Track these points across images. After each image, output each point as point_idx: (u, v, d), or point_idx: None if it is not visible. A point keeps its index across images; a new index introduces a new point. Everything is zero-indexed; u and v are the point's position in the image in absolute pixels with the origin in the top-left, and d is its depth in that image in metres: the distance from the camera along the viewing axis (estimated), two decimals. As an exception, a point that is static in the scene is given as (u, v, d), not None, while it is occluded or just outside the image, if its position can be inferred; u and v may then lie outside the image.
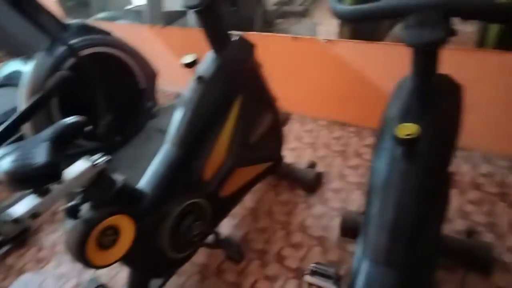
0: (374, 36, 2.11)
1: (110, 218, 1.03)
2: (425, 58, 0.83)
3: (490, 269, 1.24)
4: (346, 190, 1.67)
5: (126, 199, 1.10)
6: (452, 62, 1.37)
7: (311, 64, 2.02)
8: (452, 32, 0.81)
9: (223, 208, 1.47)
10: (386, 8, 0.83)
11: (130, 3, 3.25)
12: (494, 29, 1.74)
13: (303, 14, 2.95)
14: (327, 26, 2.60)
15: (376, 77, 1.84)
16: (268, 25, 2.76)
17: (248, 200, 1.72)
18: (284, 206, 1.66)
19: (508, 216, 1.41)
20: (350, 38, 2.15)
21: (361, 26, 2.12)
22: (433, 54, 0.83)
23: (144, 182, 1.21)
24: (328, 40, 1.89)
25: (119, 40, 2.01)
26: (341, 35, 2.24)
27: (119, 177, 1.10)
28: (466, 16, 0.80)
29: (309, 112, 2.20)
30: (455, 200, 1.50)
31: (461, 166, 1.65)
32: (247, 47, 1.38)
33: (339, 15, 0.89)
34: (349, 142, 1.95)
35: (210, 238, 1.43)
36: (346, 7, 0.88)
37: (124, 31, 2.26)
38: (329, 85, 2.02)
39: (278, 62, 2.04)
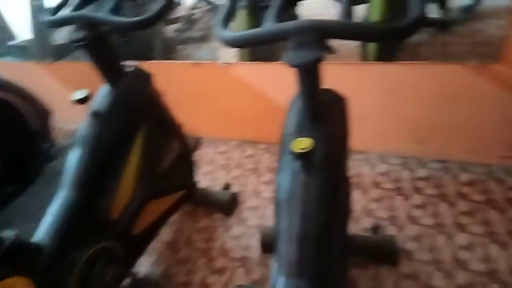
0: (272, 57, 2.22)
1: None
2: (307, 76, 0.89)
3: (396, 259, 1.36)
4: (262, 207, 1.70)
5: (20, 257, 0.98)
6: (340, 75, 1.50)
7: (214, 88, 2.05)
8: (331, 51, 0.89)
9: (137, 246, 1.39)
10: (267, 34, 0.88)
11: (13, 38, 2.98)
12: (373, 44, 1.96)
13: (203, 39, 3.00)
14: (227, 50, 2.67)
15: (277, 95, 1.93)
16: (169, 52, 2.75)
17: (165, 233, 1.66)
18: (203, 233, 1.64)
19: (405, 208, 1.57)
20: (249, 60, 2.24)
21: (259, 48, 2.22)
22: (313, 72, 0.89)
23: (41, 233, 1.10)
24: (228, 63, 1.95)
25: (2, 80, 1.83)
26: (241, 57, 2.33)
27: (8, 234, 0.97)
28: (340, 37, 0.88)
29: (220, 134, 2.22)
30: (360, 200, 1.63)
31: (361, 168, 1.79)
32: (144, 77, 1.35)
33: (225, 42, 0.92)
34: (261, 159, 2.00)
35: (127, 280, 1.34)
36: (231, 33, 0.92)
37: (8, 69, 2.07)
38: (235, 106, 2.07)
39: (181, 89, 2.04)
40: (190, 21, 3.23)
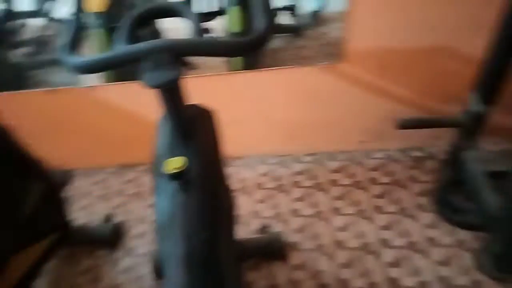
0: (139, 74, 2.13)
1: None
2: (169, 95, 0.88)
3: (285, 253, 1.44)
4: (150, 231, 1.63)
5: None
6: (210, 87, 1.53)
7: (79, 114, 1.88)
8: (191, 66, 0.89)
9: (6, 309, 1.19)
10: (119, 56, 0.84)
11: None
12: (236, 55, 2.04)
13: (57, 62, 2.73)
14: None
15: (150, 113, 1.85)
16: (18, 80, 2.42)
17: (42, 285, 1.45)
18: (87, 275, 1.48)
19: (287, 203, 1.67)
20: (116, 80, 2.11)
21: (126, 67, 2.10)
22: (175, 91, 0.89)
23: None
24: (91, 86, 1.81)
25: None
26: (107, 78, 2.18)
27: None
28: (196, 54, 0.89)
29: (94, 163, 2.05)
30: (246, 203, 1.68)
31: (243, 173, 1.85)
32: (-17, 115, 1.17)
33: (72, 68, 0.85)
34: (143, 182, 1.91)
35: None
36: (78, 58, 0.85)
37: None
38: (106, 131, 1.93)
39: (39, 120, 1.83)
40: (41, 43, 2.90)
